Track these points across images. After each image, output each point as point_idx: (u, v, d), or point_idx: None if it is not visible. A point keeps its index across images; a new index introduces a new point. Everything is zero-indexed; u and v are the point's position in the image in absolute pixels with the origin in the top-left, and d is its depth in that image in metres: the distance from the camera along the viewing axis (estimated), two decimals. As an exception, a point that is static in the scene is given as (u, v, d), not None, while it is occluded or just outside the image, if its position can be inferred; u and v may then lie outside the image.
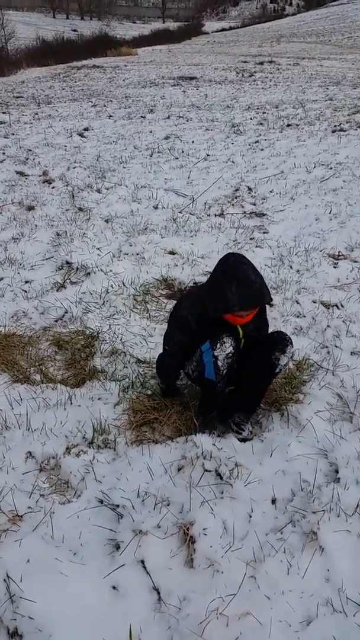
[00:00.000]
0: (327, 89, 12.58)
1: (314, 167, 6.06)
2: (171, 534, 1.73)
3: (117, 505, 1.85)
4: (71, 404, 2.35)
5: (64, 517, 1.82)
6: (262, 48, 27.64)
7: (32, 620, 1.49)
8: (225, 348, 2.03)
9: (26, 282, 3.48)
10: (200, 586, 1.60)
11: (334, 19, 43.56)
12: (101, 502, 1.87)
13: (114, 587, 1.60)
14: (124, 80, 16.10)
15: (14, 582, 1.56)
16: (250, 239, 4.15)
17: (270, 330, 2.37)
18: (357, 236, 4.13)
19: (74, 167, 6.17)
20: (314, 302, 3.21)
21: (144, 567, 1.64)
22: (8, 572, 1.59)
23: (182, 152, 6.99)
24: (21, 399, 2.38)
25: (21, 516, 1.80)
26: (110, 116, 9.79)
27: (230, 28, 53.95)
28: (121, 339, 2.84)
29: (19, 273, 3.56)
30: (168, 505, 1.84)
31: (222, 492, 1.91)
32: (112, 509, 1.84)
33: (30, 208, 4.77)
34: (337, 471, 2.00)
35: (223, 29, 53.46)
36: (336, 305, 3.18)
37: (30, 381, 2.53)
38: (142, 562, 1.66)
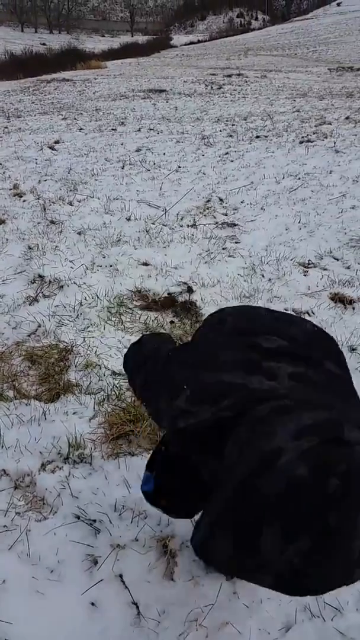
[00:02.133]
0: (294, 100, 12.87)
1: (283, 177, 6.18)
2: (149, 547, 1.72)
3: (94, 520, 1.83)
4: (45, 419, 2.33)
5: (40, 535, 1.79)
6: (230, 61, 28.15)
7: (9, 642, 1.46)
8: None
9: (-2, 296, 3.44)
10: (179, 598, 1.60)
11: (299, 33, 44.75)
12: (78, 517, 1.85)
13: (92, 604, 1.59)
14: (94, 93, 16.15)
15: (-11, 603, 1.53)
16: (223, 248, 4.19)
17: None
18: (326, 245, 4.22)
19: (45, 180, 6.15)
20: (286, 310, 3.26)
21: (123, 582, 1.63)
22: (-17, 593, 1.56)
23: (154, 164, 7.04)
24: (-6, 416, 2.34)
25: (-4, 536, 1.76)
26: (81, 129, 9.79)
27: (199, 41, 54.93)
28: (96, 352, 2.83)
29: (-10, 288, 3.52)
30: (145, 518, 1.84)
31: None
32: (89, 524, 1.82)
33: (1, 222, 4.72)
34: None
35: (191, 43, 54.36)
36: (307, 313, 3.24)
37: (3, 398, 2.49)
38: (121, 576, 1.65)
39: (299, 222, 4.75)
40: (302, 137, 8.36)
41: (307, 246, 4.20)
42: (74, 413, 2.38)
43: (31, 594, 1.59)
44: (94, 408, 2.40)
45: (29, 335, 3.01)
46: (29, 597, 1.58)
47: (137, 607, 1.58)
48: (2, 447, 2.16)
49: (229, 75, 19.63)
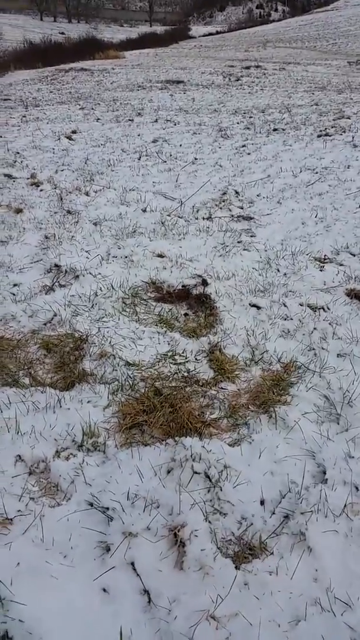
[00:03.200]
0: (313, 94, 12.71)
1: (300, 171, 6.13)
2: (161, 535, 1.74)
3: (107, 508, 1.85)
4: (60, 407, 2.35)
5: (54, 520, 1.82)
6: (248, 53, 27.85)
7: (23, 623, 1.48)
8: None
9: (14, 285, 3.46)
10: (190, 588, 1.61)
11: (318, 25, 44.08)
12: (91, 504, 1.87)
13: (104, 590, 1.61)
14: (111, 83, 16.10)
15: (4, 585, 1.56)
16: (238, 242, 4.18)
17: None
18: (343, 240, 4.18)
19: (62, 170, 6.16)
20: (301, 305, 3.24)
21: (134, 569, 1.65)
22: (-2, 576, 1.59)
23: (170, 155, 7.02)
24: (10, 403, 2.37)
25: (11, 519, 1.79)
26: (98, 119, 9.78)
27: (217, 32, 54.39)
28: (110, 342, 2.84)
29: (7, 276, 3.55)
30: (158, 507, 1.85)
31: (212, 494, 1.92)
32: (102, 512, 1.84)
33: (19, 211, 4.75)
34: (324, 472, 2.03)
35: (210, 34, 53.86)
36: (322, 308, 3.22)
37: (19, 384, 2.52)
38: (132, 564, 1.66)
39: (316, 217, 4.71)
40: (320, 130, 8.27)
41: (323, 241, 4.17)
42: (88, 402, 2.40)
43: (44, 578, 1.61)
44: (107, 397, 2.42)
45: (44, 324, 3.04)
46: (42, 581, 1.61)
47: (149, 595, 1.60)
48: (18, 433, 2.18)
49: (247, 67, 19.43)
